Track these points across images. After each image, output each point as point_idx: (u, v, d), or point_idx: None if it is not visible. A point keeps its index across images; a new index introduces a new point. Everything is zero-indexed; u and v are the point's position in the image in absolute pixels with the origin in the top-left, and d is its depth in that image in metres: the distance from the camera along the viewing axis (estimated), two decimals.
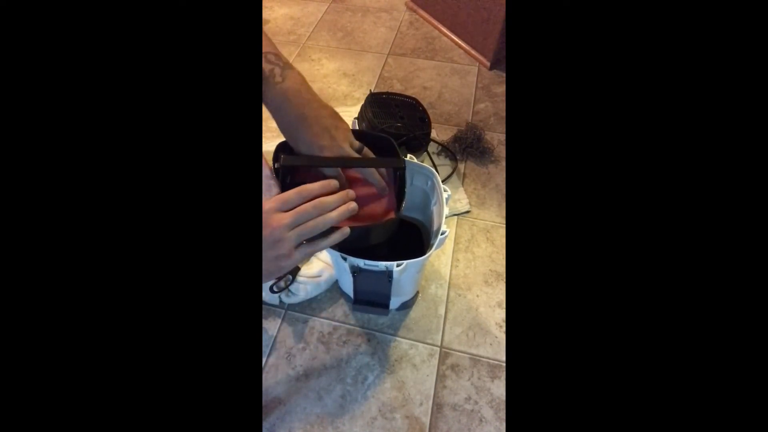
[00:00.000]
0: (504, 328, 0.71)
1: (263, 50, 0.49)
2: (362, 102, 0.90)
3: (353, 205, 0.46)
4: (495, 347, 0.69)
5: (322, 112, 0.49)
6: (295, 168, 0.54)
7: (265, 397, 0.64)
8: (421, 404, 0.63)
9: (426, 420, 0.62)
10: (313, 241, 0.45)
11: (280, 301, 0.72)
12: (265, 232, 0.41)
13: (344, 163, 0.51)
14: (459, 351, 0.68)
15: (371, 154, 0.54)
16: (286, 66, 0.49)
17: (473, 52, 1.17)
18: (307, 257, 0.44)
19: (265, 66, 0.48)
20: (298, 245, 0.44)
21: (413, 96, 0.94)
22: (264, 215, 0.42)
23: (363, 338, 0.70)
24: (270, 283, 0.69)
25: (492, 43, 1.11)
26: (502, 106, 1.06)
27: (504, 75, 1.14)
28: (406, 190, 0.54)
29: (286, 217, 0.42)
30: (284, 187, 0.52)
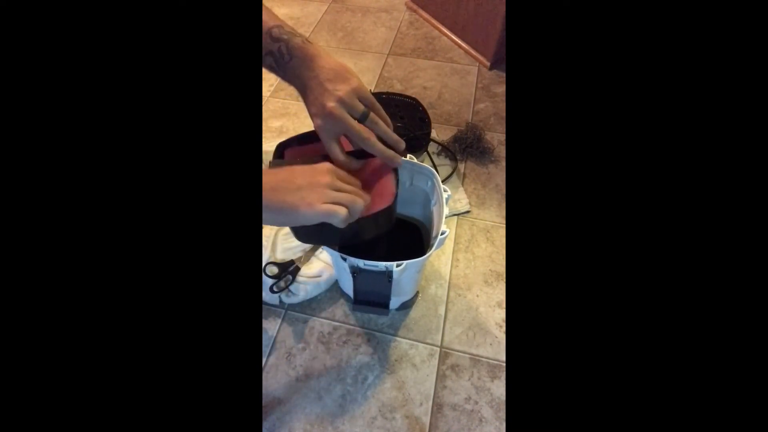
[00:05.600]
0: (504, 328, 0.71)
1: (268, 26, 0.47)
2: None
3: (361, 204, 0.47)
4: (495, 347, 0.69)
5: (323, 84, 0.47)
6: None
7: (265, 397, 0.64)
8: (421, 404, 0.63)
9: (426, 420, 0.62)
10: (335, 207, 0.44)
11: (280, 301, 0.72)
12: (312, 177, 0.43)
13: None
14: (459, 351, 0.68)
15: (379, 118, 0.50)
16: (291, 37, 0.47)
17: (473, 52, 1.17)
18: (323, 218, 0.43)
19: (273, 45, 0.47)
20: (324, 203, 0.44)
21: (413, 96, 0.94)
22: (318, 166, 0.45)
23: (363, 338, 0.70)
24: (270, 283, 0.69)
25: (492, 43, 1.10)
26: (502, 106, 1.06)
27: (504, 75, 1.14)
28: (400, 187, 0.54)
29: (338, 181, 0.45)
30: None
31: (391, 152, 0.49)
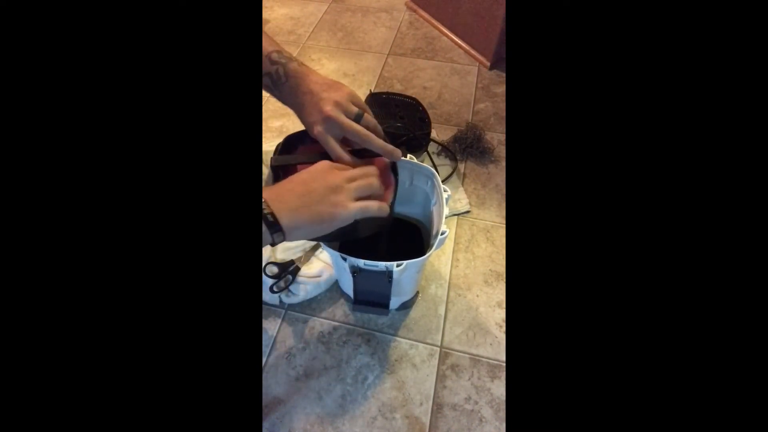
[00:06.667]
0: (504, 328, 0.71)
1: (267, 51, 0.51)
2: None
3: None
4: (495, 347, 0.69)
5: (317, 95, 0.50)
6: (289, 166, 0.54)
7: (265, 397, 0.64)
8: (421, 404, 0.63)
9: (426, 420, 0.62)
10: (368, 202, 0.46)
11: (280, 301, 0.72)
12: (324, 181, 0.45)
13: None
14: (459, 351, 0.68)
15: (372, 120, 0.53)
16: (288, 62, 0.51)
17: (473, 52, 1.17)
18: (359, 215, 0.45)
19: (271, 67, 0.51)
20: (354, 200, 0.45)
21: (413, 96, 0.94)
22: (319, 168, 0.46)
23: (363, 338, 0.70)
24: (270, 283, 0.69)
25: (492, 43, 1.10)
26: (502, 106, 1.06)
27: (504, 75, 1.14)
28: (398, 186, 0.54)
29: (347, 172, 0.46)
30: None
31: (390, 146, 0.51)
